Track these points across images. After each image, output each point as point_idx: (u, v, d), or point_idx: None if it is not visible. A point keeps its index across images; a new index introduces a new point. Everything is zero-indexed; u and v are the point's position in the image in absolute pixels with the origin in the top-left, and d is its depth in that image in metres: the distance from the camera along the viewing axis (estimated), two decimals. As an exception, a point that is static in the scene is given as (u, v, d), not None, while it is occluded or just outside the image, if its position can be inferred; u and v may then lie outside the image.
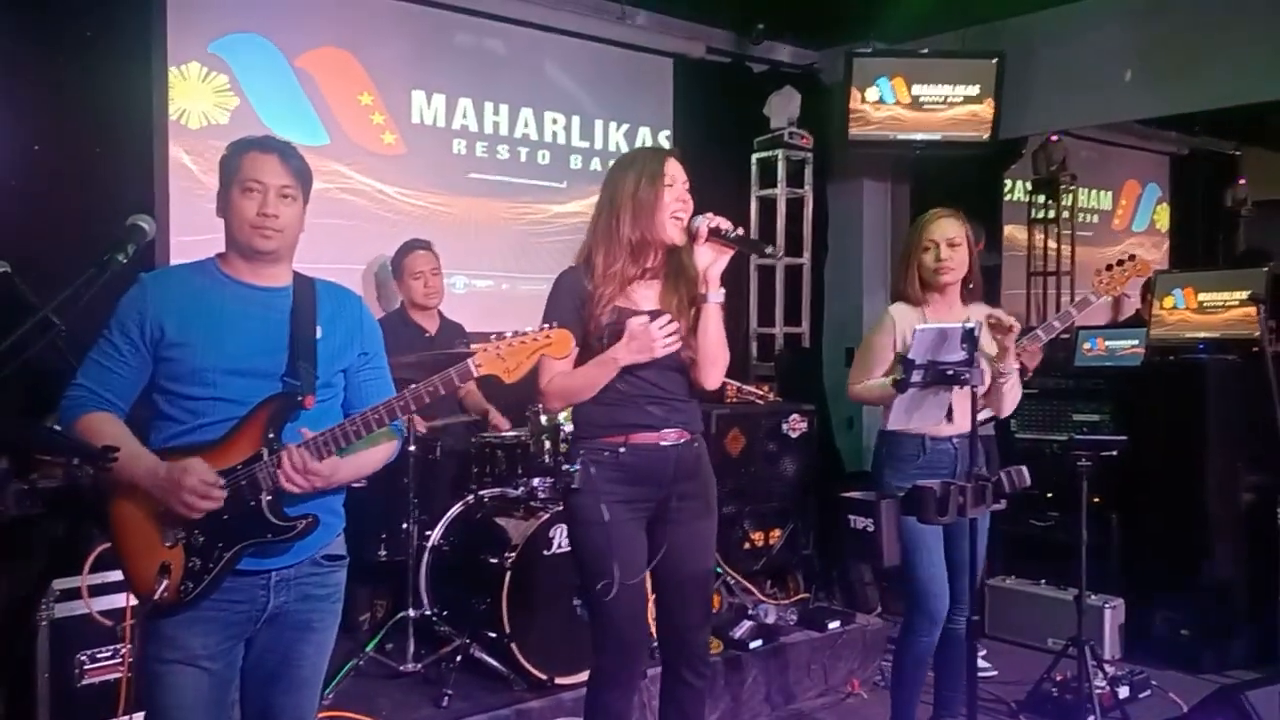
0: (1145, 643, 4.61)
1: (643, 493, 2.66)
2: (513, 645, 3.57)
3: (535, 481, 3.94)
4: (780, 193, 6.04)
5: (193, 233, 4.04)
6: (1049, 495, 4.76)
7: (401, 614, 3.76)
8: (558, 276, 2.72)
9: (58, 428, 2.16)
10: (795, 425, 5.01)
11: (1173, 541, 4.59)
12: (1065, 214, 7.54)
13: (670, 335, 2.55)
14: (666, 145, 5.74)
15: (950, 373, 2.76)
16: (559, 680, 3.62)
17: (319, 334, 2.21)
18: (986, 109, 5.65)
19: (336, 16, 4.71)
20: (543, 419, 3.95)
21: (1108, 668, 4.15)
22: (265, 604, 2.15)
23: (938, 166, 6.00)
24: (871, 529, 2.68)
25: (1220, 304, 4.87)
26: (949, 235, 3.27)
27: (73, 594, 3.05)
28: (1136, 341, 4.95)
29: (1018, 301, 7.32)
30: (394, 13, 4.88)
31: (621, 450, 2.63)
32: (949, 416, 3.16)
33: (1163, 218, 9.24)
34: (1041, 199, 7.55)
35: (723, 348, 2.68)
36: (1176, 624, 4.56)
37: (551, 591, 3.67)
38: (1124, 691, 4.05)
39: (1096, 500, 4.30)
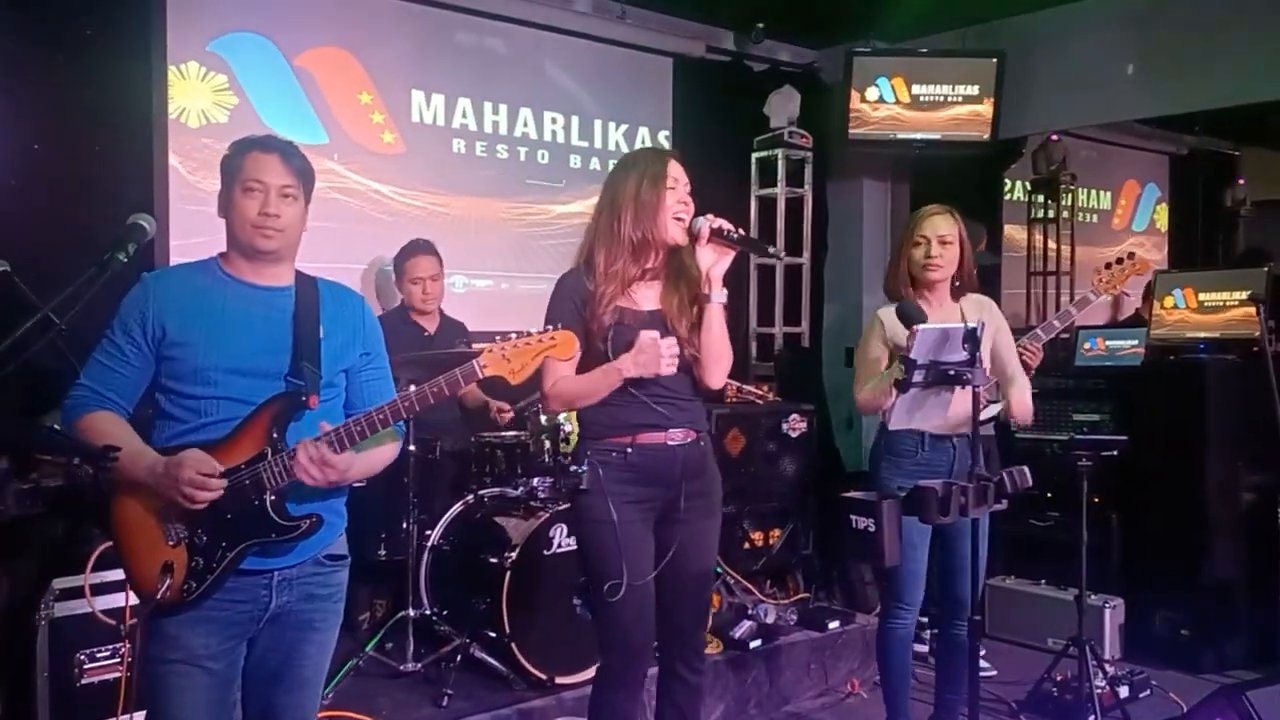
0: (1145, 643, 4.61)
1: (651, 493, 2.66)
2: (513, 645, 3.57)
3: (535, 481, 3.93)
4: (780, 192, 6.04)
5: (193, 235, 4.06)
6: (1049, 495, 4.76)
7: (401, 613, 3.75)
8: (559, 279, 2.73)
9: (58, 427, 2.16)
10: (795, 425, 5.01)
11: (1173, 541, 4.59)
12: (1065, 214, 7.54)
13: (672, 358, 2.55)
14: (666, 145, 5.74)
15: (952, 373, 2.75)
16: (559, 680, 3.62)
17: (322, 334, 2.21)
18: (986, 108, 5.64)
19: (336, 16, 4.71)
20: (542, 419, 3.95)
21: (1108, 668, 4.16)
22: (268, 604, 2.15)
23: (937, 166, 5.98)
24: (872, 529, 2.67)
25: (1220, 304, 4.87)
26: (940, 232, 3.24)
27: (72, 593, 3.04)
28: (1136, 341, 4.96)
29: (1018, 301, 7.33)
30: (393, 12, 4.87)
31: (629, 450, 2.63)
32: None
33: (1162, 218, 9.24)
34: (1041, 199, 7.56)
35: (726, 346, 2.70)
36: (1176, 624, 4.56)
37: (551, 591, 3.67)
38: (1124, 691, 4.05)
39: (1097, 500, 4.31)
